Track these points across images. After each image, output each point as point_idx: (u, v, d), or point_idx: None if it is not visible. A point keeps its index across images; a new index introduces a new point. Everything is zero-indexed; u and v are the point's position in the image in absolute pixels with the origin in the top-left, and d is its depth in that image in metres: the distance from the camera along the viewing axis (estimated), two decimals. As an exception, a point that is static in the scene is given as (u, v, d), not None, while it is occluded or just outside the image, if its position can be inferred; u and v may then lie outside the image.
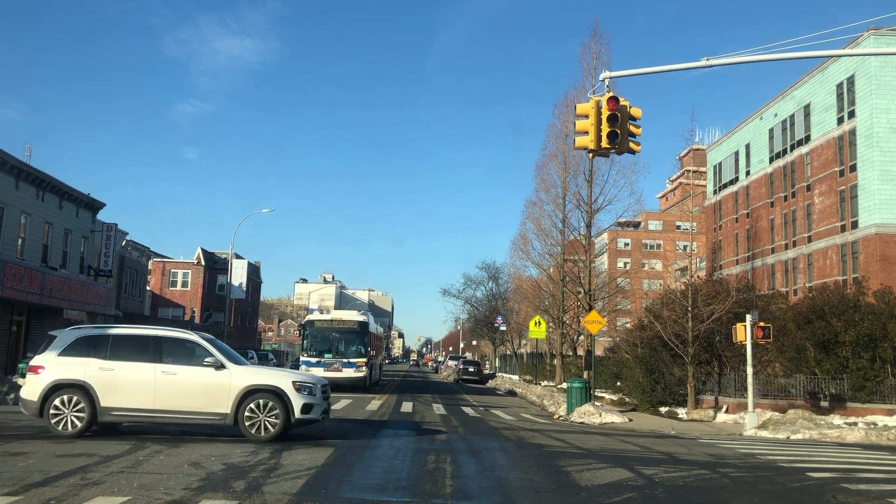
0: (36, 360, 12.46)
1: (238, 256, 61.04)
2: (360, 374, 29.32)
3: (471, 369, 52.08)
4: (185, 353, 12.49)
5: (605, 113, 12.95)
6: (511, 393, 38.89)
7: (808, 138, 43.65)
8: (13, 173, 28.88)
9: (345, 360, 29.30)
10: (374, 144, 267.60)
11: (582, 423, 21.22)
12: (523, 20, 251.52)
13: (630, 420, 22.14)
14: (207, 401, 12.14)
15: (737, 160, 53.91)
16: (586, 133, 13.36)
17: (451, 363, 68.71)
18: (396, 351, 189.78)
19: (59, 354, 12.36)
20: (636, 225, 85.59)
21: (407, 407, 23.33)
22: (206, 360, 12.31)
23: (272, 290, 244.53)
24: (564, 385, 31.88)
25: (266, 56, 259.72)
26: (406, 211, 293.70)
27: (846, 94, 39.68)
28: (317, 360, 29.41)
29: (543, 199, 40.39)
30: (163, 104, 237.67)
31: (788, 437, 18.55)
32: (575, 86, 38.07)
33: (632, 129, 13.27)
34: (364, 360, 29.53)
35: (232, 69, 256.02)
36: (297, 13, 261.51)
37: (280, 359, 71.16)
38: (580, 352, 43.63)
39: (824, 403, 23.62)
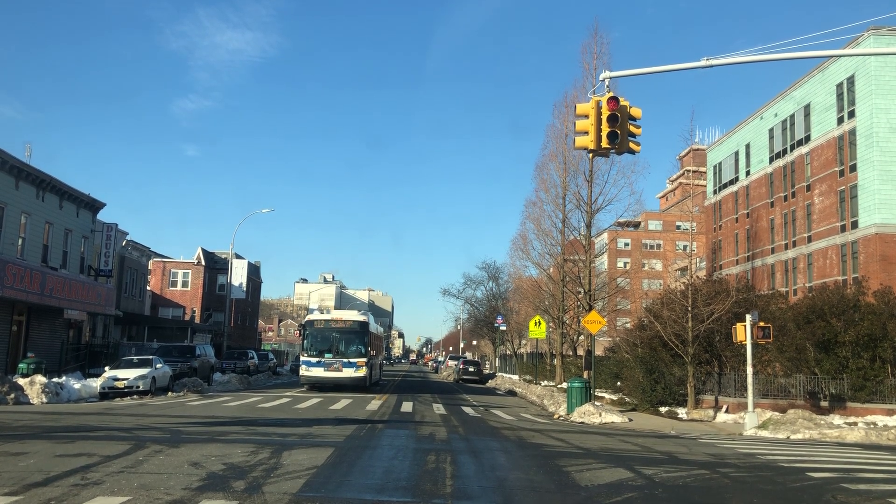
0: None
1: (238, 256, 61.02)
2: (361, 374, 29.32)
3: (471, 369, 52.06)
4: None
5: (605, 113, 12.96)
6: (511, 393, 38.88)
7: (808, 138, 43.65)
8: (13, 173, 28.89)
9: (345, 360, 29.30)
10: (374, 144, 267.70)
11: (582, 422, 21.22)
12: (523, 19, 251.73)
13: (630, 420, 22.14)
14: None
15: (737, 160, 53.91)
16: (586, 133, 13.36)
17: (451, 363, 68.65)
18: (396, 351, 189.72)
19: None
20: (636, 225, 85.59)
21: (407, 407, 23.33)
22: None
23: (272, 290, 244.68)
24: (564, 385, 31.88)
25: (267, 50, 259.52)
26: (406, 211, 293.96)
27: (846, 94, 39.68)
28: (317, 359, 29.42)
29: (543, 199, 40.43)
30: (163, 100, 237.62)
31: (788, 437, 18.55)
32: (575, 86, 38.20)
33: (632, 129, 13.27)
34: (364, 359, 29.52)
35: (233, 64, 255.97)
36: (297, 6, 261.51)
37: (280, 359, 71.21)
38: (580, 352, 43.63)
39: (824, 403, 23.63)
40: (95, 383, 26.39)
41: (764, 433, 19.37)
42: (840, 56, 33.01)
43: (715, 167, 58.26)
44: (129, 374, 25.86)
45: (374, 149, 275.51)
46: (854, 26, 16.52)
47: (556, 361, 43.24)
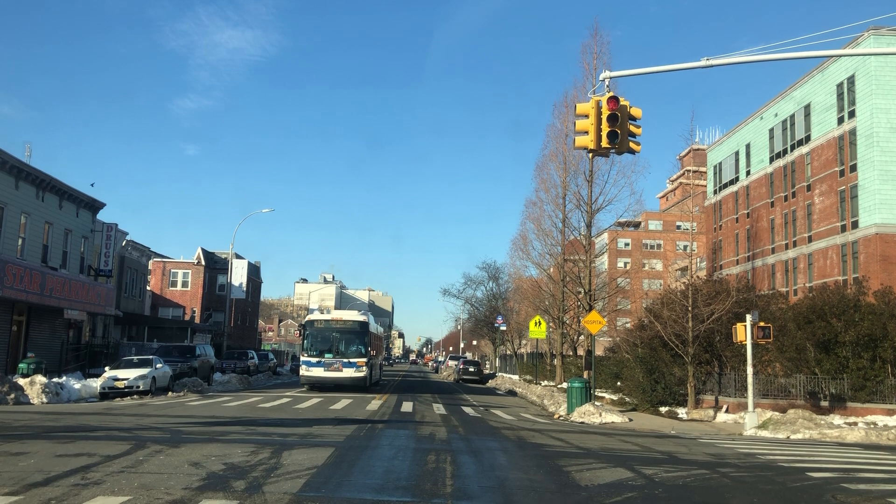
0: None
1: (238, 256, 61.02)
2: (361, 374, 29.32)
3: (471, 369, 52.04)
4: None
5: (606, 113, 12.96)
6: (511, 393, 38.88)
7: (808, 138, 43.65)
8: (13, 173, 28.90)
9: (345, 360, 29.29)
10: (374, 144, 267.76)
11: (582, 422, 21.22)
12: (523, 19, 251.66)
13: (630, 420, 22.14)
14: None
15: (737, 160, 53.92)
16: (586, 133, 13.36)
17: (452, 363, 68.63)
18: (396, 351, 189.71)
19: None
20: (636, 225, 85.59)
21: (407, 407, 23.32)
22: None
23: (272, 290, 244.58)
24: (564, 385, 31.88)
25: (267, 48, 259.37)
26: (406, 211, 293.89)
27: (846, 94, 39.68)
28: (317, 359, 29.42)
29: (543, 198, 40.44)
30: (162, 99, 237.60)
31: (788, 437, 18.55)
32: (575, 85, 38.18)
33: (632, 128, 13.27)
34: (364, 359, 29.52)
35: (233, 63, 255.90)
36: (297, 5, 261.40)
37: (280, 359, 71.21)
38: (580, 352, 43.61)
39: (824, 403, 23.62)
40: (95, 383, 26.39)
41: (764, 433, 19.36)
42: (840, 56, 33.02)
43: (715, 167, 58.26)
44: (129, 374, 25.87)
45: (374, 149, 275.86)
46: (854, 26, 16.57)
47: (556, 361, 43.23)
